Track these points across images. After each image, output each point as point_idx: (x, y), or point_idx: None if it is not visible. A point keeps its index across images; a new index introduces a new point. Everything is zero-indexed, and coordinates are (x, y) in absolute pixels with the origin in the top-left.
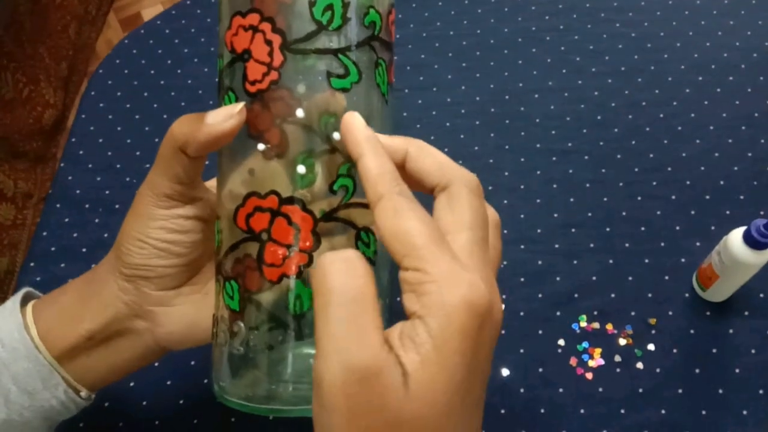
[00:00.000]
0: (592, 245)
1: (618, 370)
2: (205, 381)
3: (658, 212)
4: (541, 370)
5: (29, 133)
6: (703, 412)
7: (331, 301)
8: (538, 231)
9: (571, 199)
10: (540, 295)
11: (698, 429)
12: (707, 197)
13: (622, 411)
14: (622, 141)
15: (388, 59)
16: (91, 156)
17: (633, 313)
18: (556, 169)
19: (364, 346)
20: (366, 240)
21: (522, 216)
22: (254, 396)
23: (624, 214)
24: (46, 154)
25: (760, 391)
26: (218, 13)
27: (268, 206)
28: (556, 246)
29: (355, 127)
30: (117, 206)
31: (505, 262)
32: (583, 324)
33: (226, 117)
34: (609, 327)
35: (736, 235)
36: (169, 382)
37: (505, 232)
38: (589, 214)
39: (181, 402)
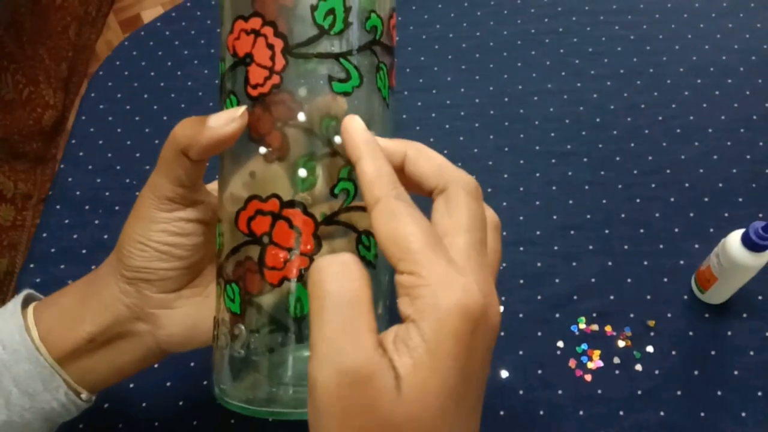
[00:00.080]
0: (591, 247)
1: (617, 371)
2: (205, 382)
3: (657, 214)
4: (540, 371)
5: (29, 134)
6: (702, 414)
7: (326, 304)
8: (538, 233)
9: (571, 201)
10: (539, 297)
11: (697, 430)
12: (706, 199)
13: (621, 412)
14: (621, 143)
15: (389, 63)
16: (91, 157)
17: (632, 315)
18: (556, 171)
19: (357, 349)
20: (367, 243)
21: (521, 218)
22: (255, 399)
23: (623, 216)
24: (45, 155)
25: (759, 393)
26: (220, 16)
27: (270, 209)
28: (556, 248)
29: (354, 130)
30: (117, 207)
31: (504, 264)
32: (582, 326)
33: (228, 120)
34: (608, 329)
35: (734, 238)
36: (168, 384)
37: (505, 233)
38: (588, 216)
39: (181, 403)
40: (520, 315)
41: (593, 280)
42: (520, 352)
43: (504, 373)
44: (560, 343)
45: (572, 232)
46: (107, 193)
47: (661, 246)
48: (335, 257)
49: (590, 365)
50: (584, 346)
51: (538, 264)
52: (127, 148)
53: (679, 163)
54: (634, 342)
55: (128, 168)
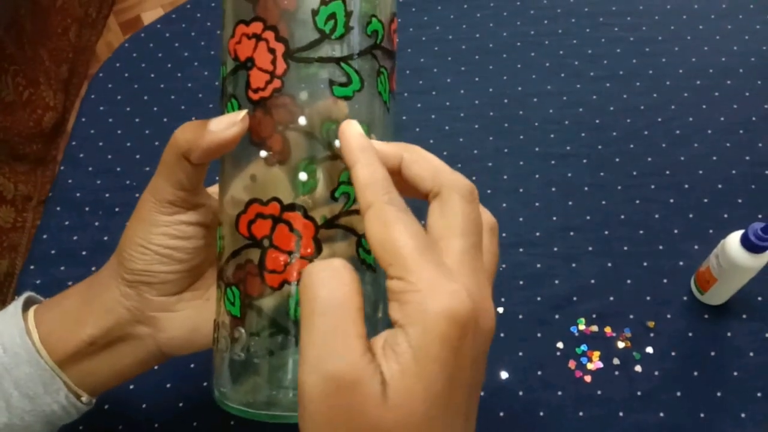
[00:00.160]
0: (590, 248)
1: (616, 372)
2: (205, 384)
3: (657, 215)
4: (539, 372)
5: (29, 136)
6: (702, 415)
7: (315, 309)
8: (537, 234)
9: (570, 203)
10: (539, 298)
11: (697, 431)
12: (705, 200)
13: (621, 414)
14: (620, 144)
15: (390, 67)
16: (91, 159)
17: (631, 316)
18: (555, 172)
19: (344, 355)
20: (367, 247)
21: (521, 219)
22: (255, 402)
23: (622, 217)
24: (46, 157)
25: (758, 394)
26: (221, 21)
27: (270, 213)
28: (555, 249)
29: (350, 135)
30: (117, 209)
31: (504, 265)
32: (582, 327)
33: (229, 124)
34: (608, 330)
35: (733, 239)
36: (168, 385)
37: (504, 235)
38: (588, 218)
39: (181, 405)
40: (520, 316)
41: (593, 281)
42: (520, 353)
43: (504, 374)
44: (560, 344)
45: (572, 234)
46: (107, 195)
47: (661, 247)
48: (326, 263)
49: (590, 366)
50: (584, 347)
51: (538, 265)
52: (127, 149)
53: (679, 164)
54: (633, 343)
55: (128, 169)
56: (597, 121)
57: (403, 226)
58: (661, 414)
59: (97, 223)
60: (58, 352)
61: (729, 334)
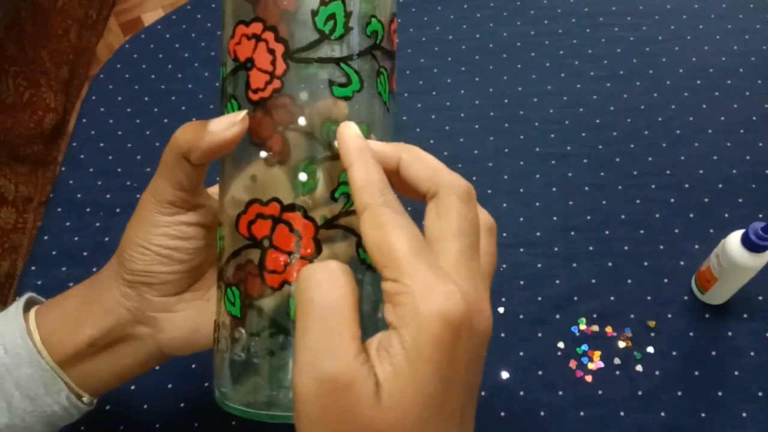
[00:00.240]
0: (591, 248)
1: (617, 372)
2: (206, 384)
3: (657, 215)
4: (540, 372)
5: (30, 137)
6: (703, 415)
7: (309, 312)
8: (538, 234)
9: (570, 203)
10: (539, 298)
11: (697, 431)
12: (706, 200)
13: (622, 413)
14: (620, 144)
15: (389, 68)
16: (92, 160)
17: (632, 316)
18: (556, 172)
19: (337, 357)
20: None
21: (521, 219)
22: (255, 402)
23: (623, 217)
24: (46, 158)
25: (759, 393)
26: (222, 21)
27: (270, 213)
28: (556, 249)
29: (347, 136)
30: (118, 210)
31: (504, 265)
32: (583, 327)
33: (228, 125)
34: (608, 330)
35: (734, 238)
36: (170, 386)
37: (505, 235)
38: (588, 217)
39: (182, 405)
40: (521, 316)
41: (593, 281)
42: (521, 353)
43: (504, 374)
44: (561, 344)
45: (572, 234)
46: (108, 196)
47: (661, 247)
48: (322, 265)
49: (591, 366)
50: (585, 347)
51: (539, 265)
52: (127, 150)
53: (679, 164)
54: (634, 343)
55: (129, 170)
56: (597, 121)
57: (398, 228)
58: (662, 414)
59: (97, 224)
60: (59, 352)
61: (730, 333)
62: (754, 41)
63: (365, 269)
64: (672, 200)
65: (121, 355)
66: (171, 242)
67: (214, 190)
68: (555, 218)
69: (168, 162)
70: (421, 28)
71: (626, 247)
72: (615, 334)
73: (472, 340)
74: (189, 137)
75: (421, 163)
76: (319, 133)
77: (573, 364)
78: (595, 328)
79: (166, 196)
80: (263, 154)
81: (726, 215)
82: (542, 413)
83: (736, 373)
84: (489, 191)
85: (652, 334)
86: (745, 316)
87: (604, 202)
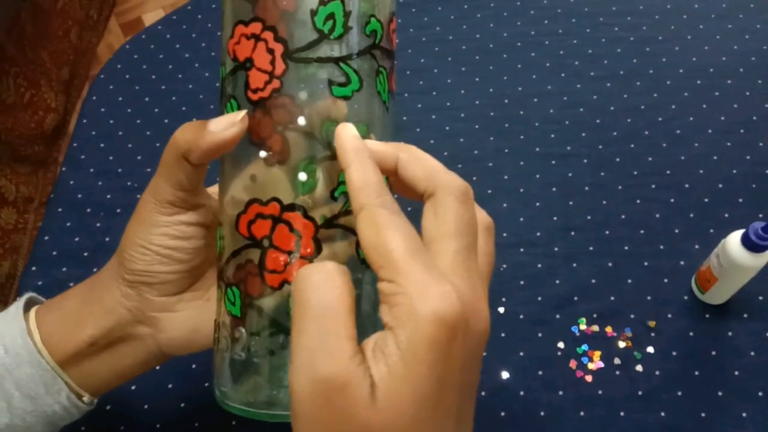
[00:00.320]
0: (591, 248)
1: (617, 372)
2: (206, 384)
3: (657, 215)
4: (540, 372)
5: (31, 138)
6: (703, 415)
7: (305, 312)
8: (538, 234)
9: (571, 203)
10: (539, 298)
11: (697, 431)
12: (706, 200)
13: (622, 413)
14: (621, 144)
15: (389, 67)
16: (93, 160)
17: (632, 316)
18: (556, 172)
19: (332, 358)
20: None
21: (521, 219)
22: (255, 401)
23: (623, 217)
24: (47, 159)
25: (759, 393)
26: (221, 21)
27: (270, 213)
28: (556, 249)
29: (345, 137)
30: (118, 210)
31: (504, 265)
32: (583, 327)
33: (228, 125)
34: (608, 330)
35: (734, 238)
36: (170, 386)
37: (505, 235)
38: (589, 217)
39: (183, 405)
40: (521, 316)
41: (593, 281)
42: (521, 353)
43: (504, 374)
44: (561, 344)
45: (572, 234)
46: (108, 196)
47: (662, 247)
48: (319, 266)
49: (591, 366)
50: (585, 347)
51: (539, 265)
52: (128, 150)
53: (679, 164)
54: (634, 343)
55: (129, 171)
56: (597, 121)
57: (394, 229)
58: (662, 414)
59: (98, 224)
60: (59, 352)
61: (730, 333)
62: (754, 41)
63: (365, 268)
64: (672, 200)
65: (122, 355)
66: (171, 242)
67: (213, 190)
68: (555, 218)
69: (168, 162)
70: (422, 28)
71: (626, 247)
72: (615, 334)
73: (469, 340)
74: (189, 137)
75: (418, 163)
76: (319, 132)
77: (573, 364)
78: (595, 328)
79: (166, 196)
80: (263, 153)
81: (726, 215)
82: (542, 413)
83: (737, 373)
84: (489, 191)
85: (652, 334)
86: (745, 316)
87: (604, 202)
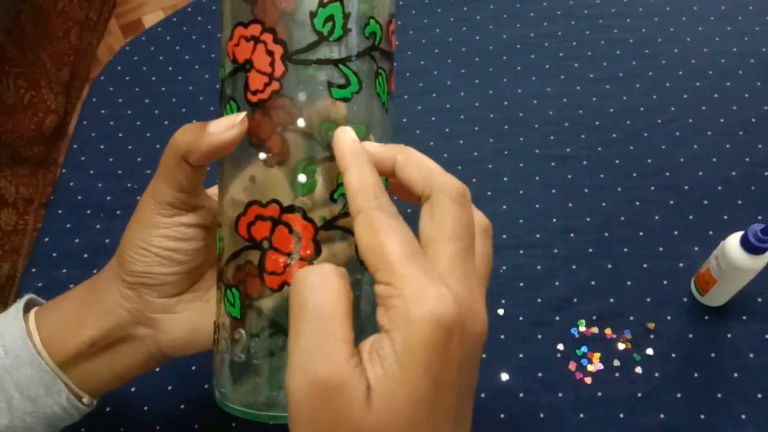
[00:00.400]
0: (590, 250)
1: (617, 374)
2: (206, 386)
3: (657, 217)
4: (540, 374)
5: (30, 139)
6: (702, 416)
7: (302, 315)
8: (537, 236)
9: (570, 204)
10: (539, 300)
11: None
12: (705, 202)
13: (621, 415)
14: (620, 146)
15: (388, 69)
16: (93, 162)
17: (632, 318)
18: (555, 174)
19: (329, 359)
20: None
21: (521, 221)
22: (255, 403)
23: (622, 219)
24: (47, 160)
25: (759, 395)
26: (221, 23)
27: (269, 215)
28: (555, 251)
29: (342, 140)
30: (118, 212)
31: (504, 267)
32: (582, 329)
33: (228, 127)
34: (608, 331)
35: (733, 240)
36: (170, 387)
37: (504, 236)
38: (588, 219)
39: (182, 407)
40: (520, 318)
41: (593, 282)
42: (520, 355)
43: (504, 376)
44: (560, 346)
45: (572, 235)
46: (108, 198)
47: (661, 248)
48: (317, 268)
49: (590, 368)
50: (584, 349)
51: (538, 267)
52: (128, 152)
53: (679, 165)
54: (633, 344)
55: (129, 172)
56: (597, 123)
57: (390, 232)
58: (662, 415)
59: (98, 226)
60: (59, 353)
61: (729, 335)
62: (753, 43)
63: (364, 270)
64: (671, 202)
65: (122, 356)
66: (171, 243)
67: (213, 191)
68: (555, 220)
69: (167, 163)
70: (421, 30)
71: (626, 249)
72: (614, 335)
73: (466, 342)
74: (188, 139)
75: (415, 165)
76: (318, 134)
77: (572, 365)
78: (595, 329)
79: (166, 197)
80: (262, 155)
81: (725, 217)
82: (542, 415)
83: (736, 374)
84: (489, 193)
85: (652, 336)
86: (744, 317)
87: (603, 204)
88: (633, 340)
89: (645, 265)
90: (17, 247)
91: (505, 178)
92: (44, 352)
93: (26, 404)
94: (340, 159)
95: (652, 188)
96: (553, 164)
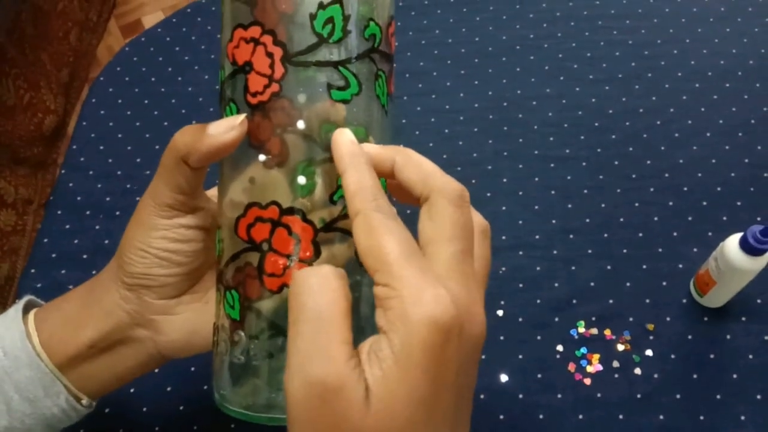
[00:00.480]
0: (590, 251)
1: (616, 375)
2: (206, 387)
3: (656, 218)
4: (539, 375)
5: (30, 140)
6: (701, 418)
7: (301, 316)
8: (537, 237)
9: (570, 205)
10: (538, 301)
11: None
12: (704, 203)
13: (621, 416)
14: (619, 147)
15: (387, 70)
16: (92, 162)
17: (631, 319)
18: (555, 175)
19: (327, 361)
20: None
21: (520, 222)
22: (254, 404)
23: (622, 220)
24: (46, 161)
25: (758, 396)
26: (220, 24)
27: (269, 216)
28: (555, 252)
29: (341, 142)
30: (117, 213)
31: (503, 268)
32: (582, 330)
33: (227, 128)
34: (607, 332)
35: (732, 241)
36: (169, 389)
37: (504, 238)
38: (587, 220)
39: (181, 408)
40: (520, 319)
41: (592, 284)
42: (520, 356)
43: (503, 377)
44: (560, 347)
45: (571, 236)
46: (108, 199)
47: (660, 250)
48: (315, 269)
49: (589, 369)
50: (583, 350)
51: (538, 268)
52: (127, 153)
53: (678, 167)
54: (633, 346)
55: (129, 173)
56: (596, 124)
57: (389, 233)
58: (661, 416)
59: (97, 227)
60: (58, 355)
61: (728, 336)
62: (752, 44)
63: (363, 271)
64: (671, 203)
65: (121, 358)
66: (170, 245)
67: (213, 193)
68: (554, 221)
69: (167, 165)
70: (421, 31)
71: (625, 250)
72: (614, 337)
73: (464, 343)
74: (188, 140)
75: (413, 167)
76: (318, 135)
77: (572, 366)
78: (594, 331)
79: (165, 199)
80: (262, 157)
81: (724, 218)
82: (541, 416)
83: (735, 375)
84: (488, 194)
85: (651, 337)
86: (743, 318)
87: (603, 205)
88: (632, 341)
89: (644, 266)
90: (16, 247)
91: (505, 179)
92: (43, 353)
93: (25, 406)
94: (338, 161)
95: (652, 189)
96: (552, 165)
